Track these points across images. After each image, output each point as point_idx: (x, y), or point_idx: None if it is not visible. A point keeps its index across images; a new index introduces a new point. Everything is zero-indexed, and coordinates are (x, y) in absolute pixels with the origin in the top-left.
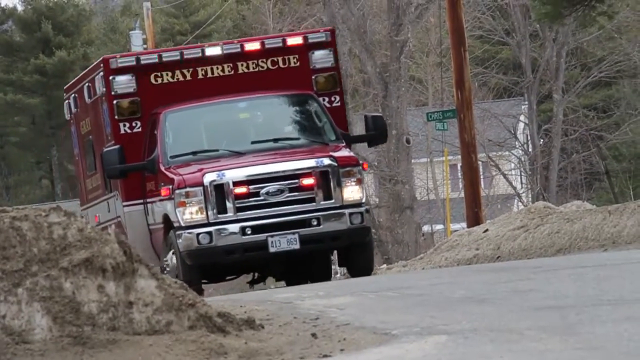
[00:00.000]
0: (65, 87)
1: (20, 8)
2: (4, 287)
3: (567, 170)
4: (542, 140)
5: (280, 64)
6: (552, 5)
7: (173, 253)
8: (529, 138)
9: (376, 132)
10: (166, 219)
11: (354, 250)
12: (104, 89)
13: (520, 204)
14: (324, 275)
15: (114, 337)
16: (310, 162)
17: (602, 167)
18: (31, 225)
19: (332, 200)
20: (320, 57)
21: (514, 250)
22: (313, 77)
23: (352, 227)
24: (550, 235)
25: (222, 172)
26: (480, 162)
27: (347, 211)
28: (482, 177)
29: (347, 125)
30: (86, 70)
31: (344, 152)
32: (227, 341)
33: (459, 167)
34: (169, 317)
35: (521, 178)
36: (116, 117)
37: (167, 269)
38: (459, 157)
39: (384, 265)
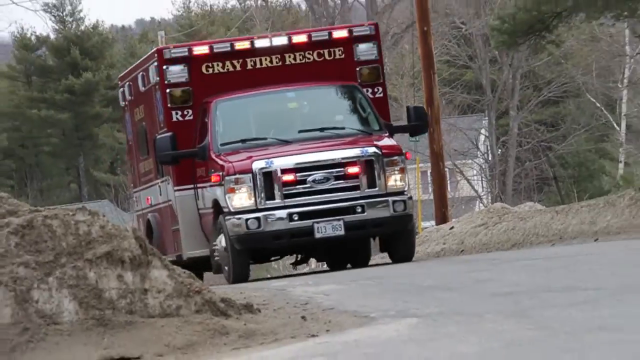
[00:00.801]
0: (119, 76)
1: (52, 36)
2: (37, 276)
3: (521, 176)
4: (499, 150)
5: (326, 56)
6: (508, 35)
7: (222, 239)
8: (488, 148)
9: (418, 123)
10: (216, 204)
11: (396, 237)
12: (158, 78)
13: (481, 205)
14: (364, 259)
15: (131, 319)
16: (356, 151)
17: (550, 173)
18: (60, 223)
19: (376, 188)
20: (365, 50)
21: (476, 244)
22: (357, 68)
23: (395, 215)
24: (507, 231)
25: (271, 159)
26: (447, 169)
27: (390, 199)
28: (448, 181)
29: (389, 116)
30: (140, 60)
31: (388, 142)
32: (228, 323)
33: (428, 174)
34: (179, 302)
35: (482, 183)
36: (169, 105)
37: (217, 252)
38: (429, 164)
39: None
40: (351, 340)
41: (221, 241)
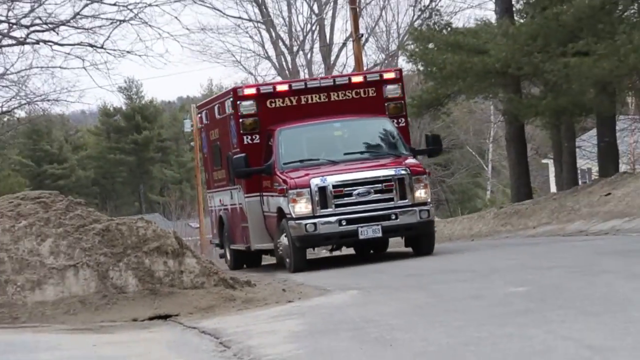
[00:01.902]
0: (198, 105)
1: (124, 107)
2: (112, 261)
3: None
4: None
5: (362, 94)
6: (417, 107)
7: (285, 236)
8: None
9: (434, 147)
10: (279, 210)
11: (420, 237)
12: (232, 110)
13: None
14: (383, 247)
15: (172, 290)
16: (391, 171)
17: (443, 197)
18: (127, 228)
19: (407, 200)
20: (391, 90)
21: (400, 244)
22: (385, 104)
23: (421, 221)
24: None
25: (324, 177)
26: None
27: (417, 209)
28: None
29: (410, 141)
30: (217, 95)
31: (415, 163)
32: (235, 293)
33: None
34: (203, 279)
35: None
36: (241, 131)
37: (280, 248)
38: None
39: (324, 251)
40: (314, 304)
41: (284, 239)
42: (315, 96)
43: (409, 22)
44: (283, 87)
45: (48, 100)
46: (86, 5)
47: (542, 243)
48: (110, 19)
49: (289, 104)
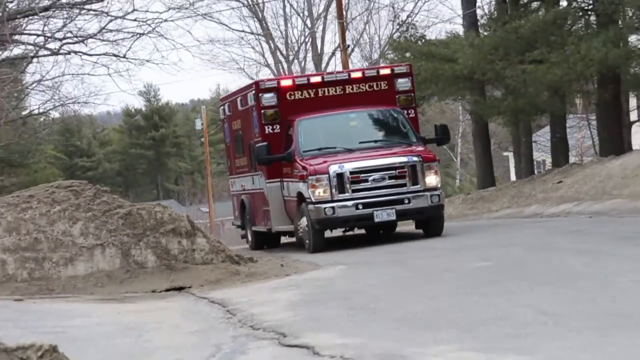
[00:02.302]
0: (221, 98)
1: (143, 109)
2: (134, 241)
3: None
4: None
5: (375, 87)
6: None
7: (304, 219)
8: None
9: (442, 136)
10: (299, 195)
11: (431, 220)
12: (254, 102)
13: None
14: (392, 228)
15: (185, 266)
16: (404, 159)
17: None
18: (147, 212)
19: (418, 185)
20: (402, 83)
21: (408, 224)
22: (396, 96)
23: (431, 205)
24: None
25: (342, 164)
26: None
27: (428, 193)
28: None
29: (419, 130)
30: (239, 88)
31: (426, 151)
32: (239, 268)
33: None
34: (212, 256)
35: None
36: (263, 122)
37: (300, 229)
38: None
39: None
40: (308, 277)
41: (304, 222)
42: (332, 89)
43: (389, 35)
44: (301, 81)
45: (78, 103)
46: (110, 20)
47: (504, 224)
48: (132, 33)
49: (307, 96)
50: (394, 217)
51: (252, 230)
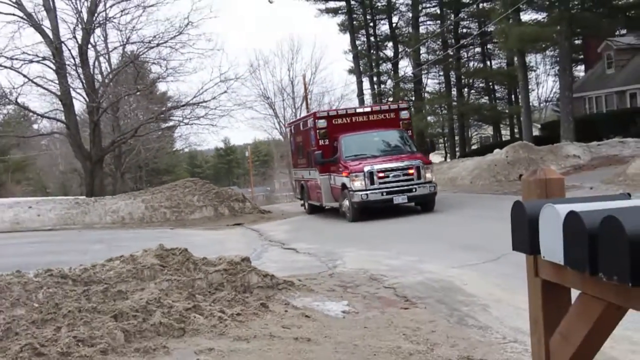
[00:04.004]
0: (287, 124)
1: (223, 146)
2: (219, 204)
3: None
4: None
5: (387, 116)
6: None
7: (346, 200)
8: None
9: (429, 148)
10: (343, 185)
11: (428, 202)
12: (313, 125)
13: None
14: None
15: (241, 214)
16: (412, 162)
17: None
18: (224, 191)
19: (421, 180)
20: (404, 114)
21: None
22: (400, 122)
23: (430, 192)
24: None
25: (373, 165)
26: None
27: (427, 185)
28: None
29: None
30: (301, 117)
31: (425, 157)
32: (264, 215)
33: None
34: (252, 210)
35: None
36: (318, 138)
37: (343, 208)
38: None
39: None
40: (295, 220)
41: (346, 203)
42: (361, 117)
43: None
44: (342, 112)
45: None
46: (209, 110)
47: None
48: (219, 116)
49: (346, 122)
50: (406, 200)
51: (308, 202)
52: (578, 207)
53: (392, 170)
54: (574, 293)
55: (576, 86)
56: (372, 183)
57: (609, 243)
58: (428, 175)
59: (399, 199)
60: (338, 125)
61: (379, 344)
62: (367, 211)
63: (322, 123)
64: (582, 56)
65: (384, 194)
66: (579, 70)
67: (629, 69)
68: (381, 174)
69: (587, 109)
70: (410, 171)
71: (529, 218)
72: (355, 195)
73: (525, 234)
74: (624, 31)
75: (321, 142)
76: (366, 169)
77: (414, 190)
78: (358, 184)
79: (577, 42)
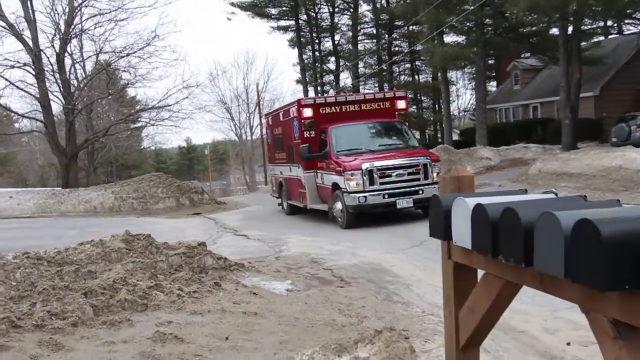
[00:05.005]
0: (265, 114)
1: (185, 144)
2: (180, 195)
3: None
4: None
5: (381, 106)
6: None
7: (338, 203)
8: None
9: (429, 142)
10: (334, 185)
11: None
12: (296, 114)
13: None
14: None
15: (199, 205)
16: (419, 159)
17: None
18: (185, 184)
19: (428, 180)
20: (400, 103)
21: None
22: (396, 113)
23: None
24: None
25: (372, 162)
26: None
27: (435, 186)
28: None
29: None
30: (281, 106)
31: (432, 153)
32: (220, 206)
33: None
34: (210, 202)
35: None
36: (303, 129)
37: (334, 211)
38: None
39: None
40: (246, 210)
41: (338, 205)
42: (351, 106)
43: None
44: (330, 100)
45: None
46: (172, 112)
47: None
48: (183, 118)
49: (334, 111)
50: (411, 204)
51: (287, 202)
52: (484, 200)
53: (396, 168)
54: (480, 273)
55: (489, 99)
56: (372, 183)
57: (507, 231)
58: (436, 174)
59: (404, 203)
60: (326, 115)
61: (316, 317)
62: (365, 216)
63: (307, 112)
64: (494, 74)
65: (386, 196)
66: (492, 86)
67: (531, 86)
68: (383, 172)
69: (497, 119)
70: (417, 169)
71: (444, 209)
72: (351, 197)
73: (440, 223)
74: (528, 54)
75: (306, 134)
76: (364, 166)
77: (420, 192)
78: (354, 184)
79: (490, 61)
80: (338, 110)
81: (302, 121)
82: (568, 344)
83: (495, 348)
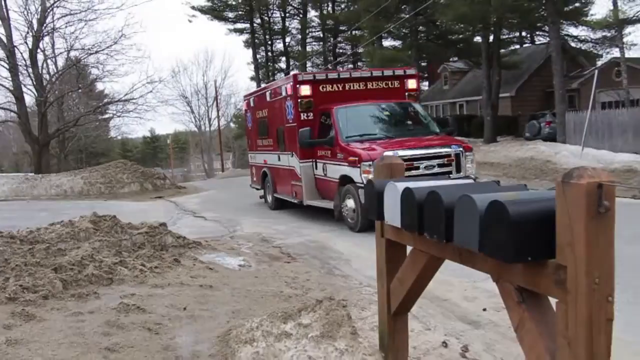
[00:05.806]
0: (245, 95)
1: (149, 134)
2: (144, 180)
3: None
4: None
5: (390, 85)
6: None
7: (349, 199)
8: None
9: (453, 128)
10: (344, 178)
11: None
12: (291, 92)
13: None
14: None
15: (162, 190)
16: (451, 148)
17: None
18: (149, 171)
19: (461, 173)
20: (411, 83)
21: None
22: (406, 93)
23: None
24: None
25: (396, 151)
26: None
27: (469, 180)
28: None
29: None
30: (268, 84)
31: (464, 141)
32: (181, 191)
33: None
34: (171, 187)
35: None
36: (300, 110)
37: (344, 209)
38: None
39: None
40: (204, 194)
41: (350, 203)
42: (356, 84)
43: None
44: (333, 76)
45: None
46: (137, 105)
47: None
48: (147, 110)
49: (336, 89)
50: None
51: (273, 195)
52: (412, 185)
53: (425, 158)
54: (408, 250)
55: (422, 97)
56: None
57: (431, 211)
58: (470, 166)
59: None
60: (326, 94)
61: (266, 289)
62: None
63: (306, 90)
64: (427, 75)
65: None
66: (425, 85)
67: (459, 86)
68: (409, 164)
69: (430, 115)
70: (448, 160)
71: (377, 192)
72: None
73: (374, 205)
74: (456, 58)
75: (303, 117)
76: (386, 155)
77: None
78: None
79: (423, 64)
80: (340, 89)
81: (299, 101)
82: (484, 309)
83: (422, 314)
